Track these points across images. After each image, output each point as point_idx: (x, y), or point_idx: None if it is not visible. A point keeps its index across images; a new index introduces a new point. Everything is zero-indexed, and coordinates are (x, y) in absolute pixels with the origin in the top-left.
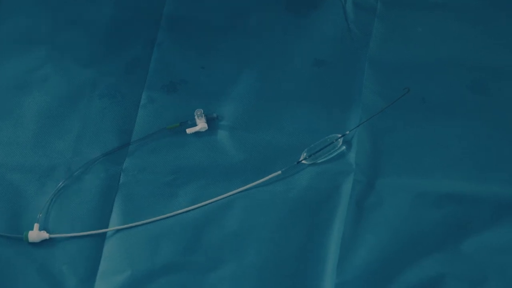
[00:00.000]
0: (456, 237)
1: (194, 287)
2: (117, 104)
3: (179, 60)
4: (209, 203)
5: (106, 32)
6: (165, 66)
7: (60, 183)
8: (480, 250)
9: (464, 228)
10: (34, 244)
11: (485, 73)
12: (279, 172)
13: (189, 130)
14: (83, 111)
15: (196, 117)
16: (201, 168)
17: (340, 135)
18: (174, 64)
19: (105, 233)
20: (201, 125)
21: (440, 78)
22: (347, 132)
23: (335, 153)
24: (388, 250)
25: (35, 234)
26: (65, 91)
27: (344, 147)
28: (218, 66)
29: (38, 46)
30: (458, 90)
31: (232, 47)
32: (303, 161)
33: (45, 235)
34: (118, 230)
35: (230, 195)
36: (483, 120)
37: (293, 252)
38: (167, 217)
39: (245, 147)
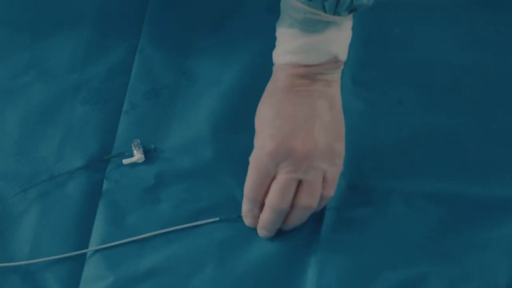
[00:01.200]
0: (437, 236)
1: None
2: (99, 110)
3: (161, 66)
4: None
5: (88, 38)
6: (147, 72)
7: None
8: (461, 248)
9: (445, 227)
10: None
11: (462, 73)
12: (217, 219)
13: (125, 161)
14: (65, 118)
15: (133, 147)
16: (184, 171)
17: None
18: (156, 70)
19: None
20: (138, 156)
21: (416, 78)
22: None
23: None
24: (369, 251)
25: None
26: (47, 98)
27: None
28: (200, 72)
29: (20, 53)
30: (435, 90)
31: (214, 51)
32: None
33: None
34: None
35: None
36: (461, 120)
37: (274, 255)
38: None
39: (229, 148)
